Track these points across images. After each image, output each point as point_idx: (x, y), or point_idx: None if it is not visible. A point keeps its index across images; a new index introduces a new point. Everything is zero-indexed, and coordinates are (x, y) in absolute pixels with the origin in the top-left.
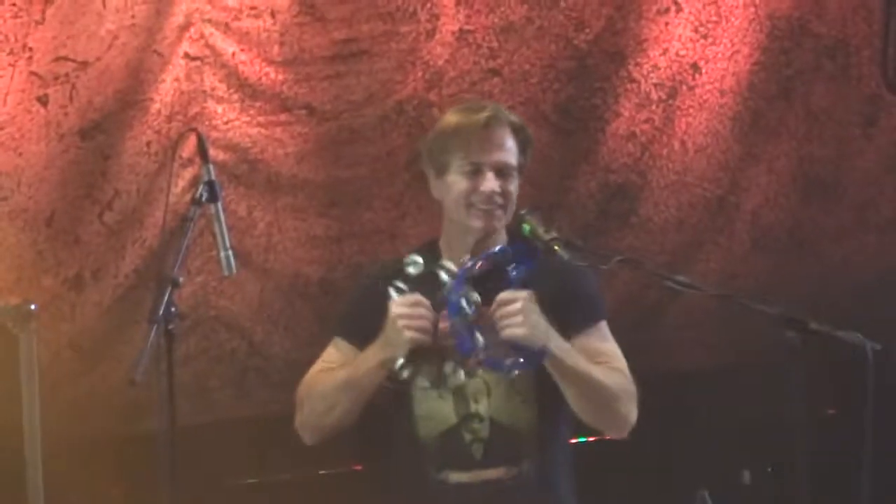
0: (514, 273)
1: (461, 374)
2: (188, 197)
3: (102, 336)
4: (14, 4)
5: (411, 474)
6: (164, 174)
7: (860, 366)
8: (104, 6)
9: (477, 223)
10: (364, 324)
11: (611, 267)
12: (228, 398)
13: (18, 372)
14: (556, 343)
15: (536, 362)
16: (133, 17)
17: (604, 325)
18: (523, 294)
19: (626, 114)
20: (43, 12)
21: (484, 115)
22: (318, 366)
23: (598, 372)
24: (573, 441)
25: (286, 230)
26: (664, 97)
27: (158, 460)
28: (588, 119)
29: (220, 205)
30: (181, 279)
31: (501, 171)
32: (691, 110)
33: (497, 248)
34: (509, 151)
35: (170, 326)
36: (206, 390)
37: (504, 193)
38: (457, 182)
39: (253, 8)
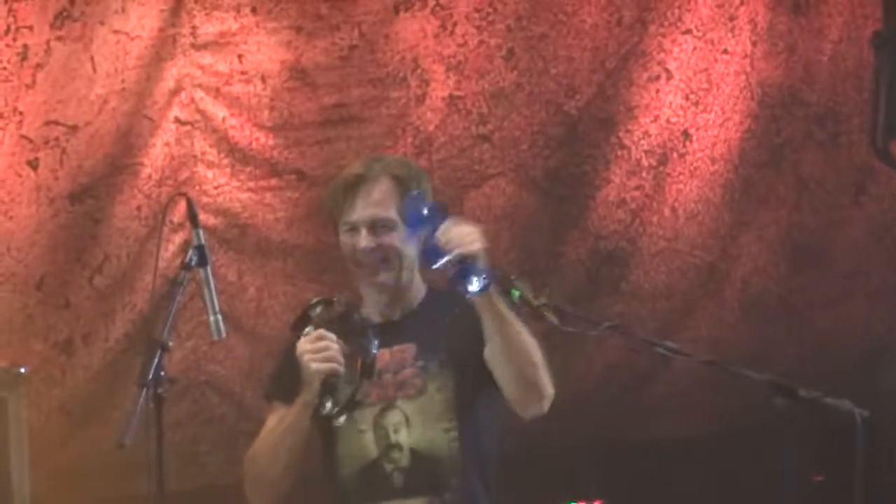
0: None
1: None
2: (178, 261)
3: (92, 400)
4: (4, 68)
5: None
6: (154, 238)
7: (849, 433)
8: (94, 71)
9: (364, 281)
10: (293, 381)
11: (600, 333)
12: (218, 462)
13: (8, 435)
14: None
15: (486, 284)
16: (123, 81)
17: None
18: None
19: (617, 180)
20: (33, 76)
21: (353, 172)
22: (259, 438)
23: (525, 332)
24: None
25: (276, 295)
26: (655, 164)
27: None
28: (578, 185)
29: (209, 269)
30: (171, 343)
31: (375, 227)
32: (682, 177)
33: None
34: (382, 205)
35: (159, 390)
36: (196, 455)
37: (383, 248)
38: (342, 244)
39: (243, 73)
